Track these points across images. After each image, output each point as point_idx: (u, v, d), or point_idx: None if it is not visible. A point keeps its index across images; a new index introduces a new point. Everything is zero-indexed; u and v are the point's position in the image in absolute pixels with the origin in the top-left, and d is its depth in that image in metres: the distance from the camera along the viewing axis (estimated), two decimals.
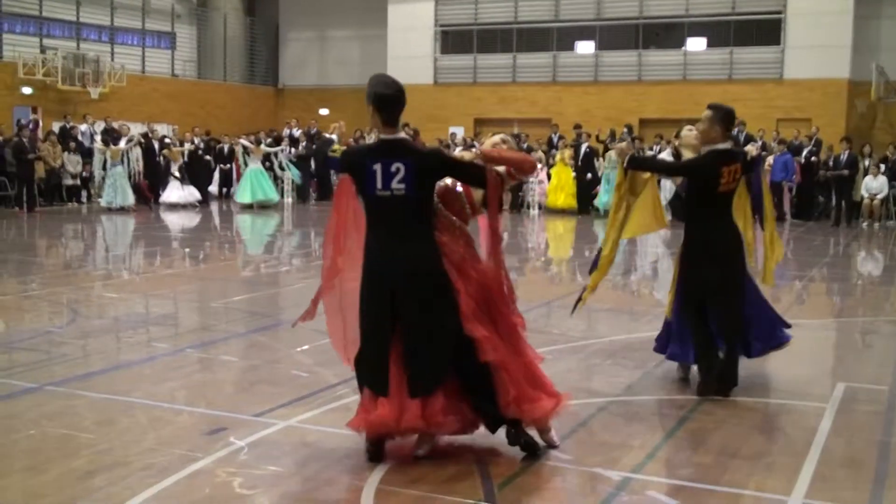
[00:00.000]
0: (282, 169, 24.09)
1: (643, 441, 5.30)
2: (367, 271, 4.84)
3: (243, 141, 23.25)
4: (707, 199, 6.19)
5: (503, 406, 4.79)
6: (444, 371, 4.76)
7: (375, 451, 4.82)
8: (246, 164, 22.85)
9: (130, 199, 20.94)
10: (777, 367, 7.01)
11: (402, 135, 4.85)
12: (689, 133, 6.75)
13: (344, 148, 5.33)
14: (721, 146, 6.18)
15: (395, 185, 4.67)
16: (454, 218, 5.01)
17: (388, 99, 4.75)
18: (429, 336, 4.74)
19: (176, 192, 22.21)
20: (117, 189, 20.75)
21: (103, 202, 20.98)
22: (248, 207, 21.96)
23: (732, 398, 6.17)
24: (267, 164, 23.61)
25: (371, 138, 24.70)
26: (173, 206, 21.81)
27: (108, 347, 7.73)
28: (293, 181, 24.25)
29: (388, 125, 4.76)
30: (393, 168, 4.67)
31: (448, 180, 4.99)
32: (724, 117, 6.19)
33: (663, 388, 6.50)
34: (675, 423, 5.63)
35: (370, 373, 4.85)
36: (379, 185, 4.69)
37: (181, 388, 6.33)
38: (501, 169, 4.99)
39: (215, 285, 11.33)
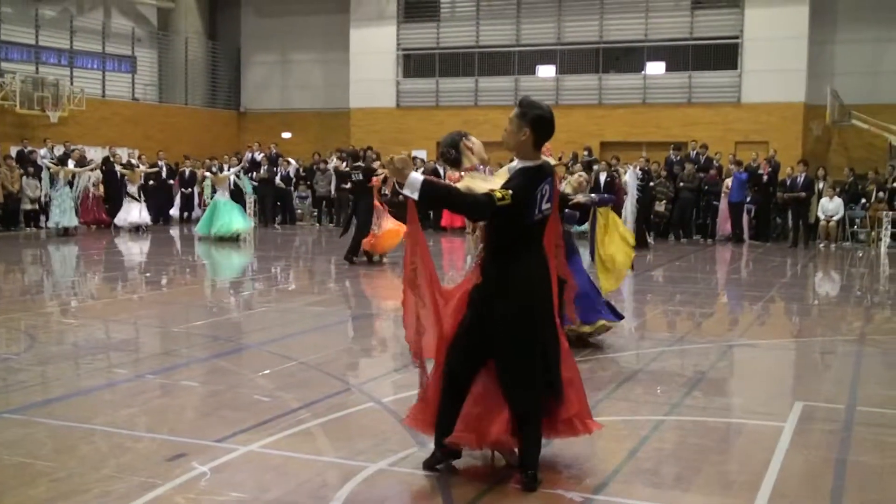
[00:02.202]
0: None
1: (605, 461, 5.34)
2: (521, 293, 4.81)
3: (208, 175, 22.54)
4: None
5: (563, 420, 4.97)
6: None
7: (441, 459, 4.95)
8: (212, 196, 21.84)
9: (74, 220, 20.81)
10: (736, 386, 7.09)
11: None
12: (573, 178, 7.74)
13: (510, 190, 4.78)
14: None
15: (545, 206, 4.85)
16: None
17: (549, 123, 4.86)
18: (553, 350, 4.94)
19: (134, 212, 21.99)
20: (64, 210, 20.57)
21: (50, 223, 20.79)
22: (207, 238, 20.31)
23: (692, 418, 6.24)
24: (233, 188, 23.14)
25: (331, 161, 24.82)
26: (136, 229, 21.63)
27: (66, 374, 7.63)
28: (254, 201, 24.17)
29: (537, 149, 4.88)
30: (544, 190, 4.83)
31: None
32: None
33: (624, 409, 6.55)
34: (637, 443, 5.67)
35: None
36: (537, 210, 4.82)
37: (141, 413, 6.26)
38: None
39: (176, 310, 11.22)
